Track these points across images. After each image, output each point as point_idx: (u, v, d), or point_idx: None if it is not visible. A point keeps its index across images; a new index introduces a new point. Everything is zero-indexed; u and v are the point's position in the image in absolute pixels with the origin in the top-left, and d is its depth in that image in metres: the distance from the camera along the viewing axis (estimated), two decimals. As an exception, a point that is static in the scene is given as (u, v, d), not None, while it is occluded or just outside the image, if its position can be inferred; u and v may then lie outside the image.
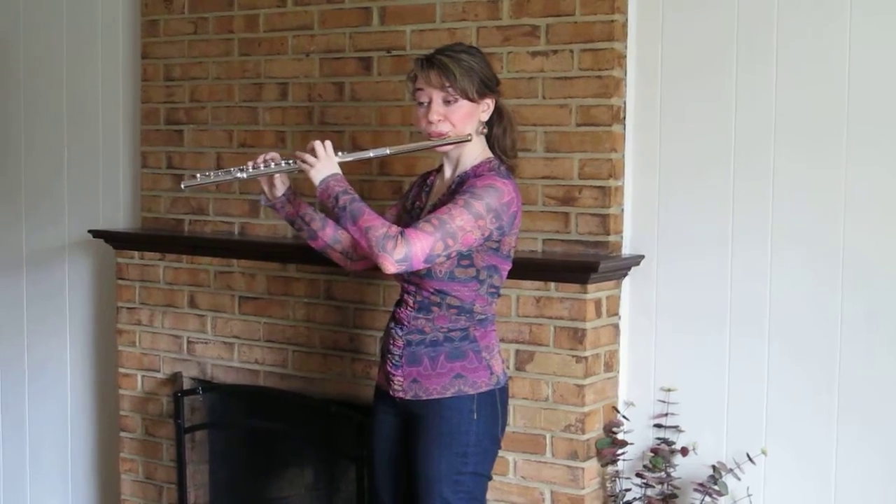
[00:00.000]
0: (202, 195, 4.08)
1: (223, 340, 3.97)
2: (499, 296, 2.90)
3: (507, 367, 3.30)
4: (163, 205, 4.20)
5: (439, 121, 2.79)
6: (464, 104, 2.79)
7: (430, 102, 2.80)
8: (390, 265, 2.64)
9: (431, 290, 2.79)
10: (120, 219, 4.46)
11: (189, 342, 4.05)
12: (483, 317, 2.84)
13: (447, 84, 2.76)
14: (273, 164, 2.89)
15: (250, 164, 2.90)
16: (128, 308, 4.20)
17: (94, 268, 4.55)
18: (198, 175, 2.94)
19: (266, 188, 2.98)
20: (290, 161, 2.86)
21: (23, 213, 4.76)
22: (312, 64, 3.82)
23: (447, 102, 2.78)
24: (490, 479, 2.90)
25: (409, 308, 2.85)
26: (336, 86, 3.77)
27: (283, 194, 2.98)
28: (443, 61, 2.77)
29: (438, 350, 2.80)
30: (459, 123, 2.80)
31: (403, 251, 2.62)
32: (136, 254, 4.16)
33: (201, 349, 4.02)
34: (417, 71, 2.82)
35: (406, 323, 2.84)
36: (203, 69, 4.07)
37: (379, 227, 2.66)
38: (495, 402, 2.84)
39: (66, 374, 4.66)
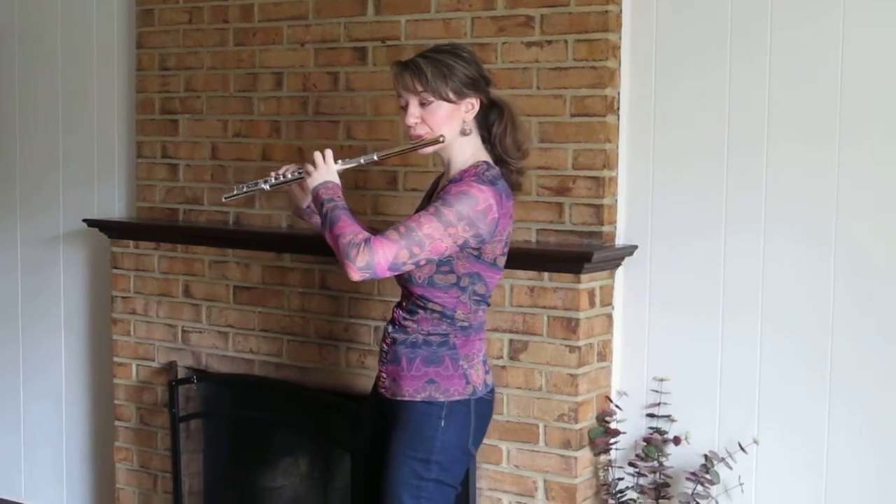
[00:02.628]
0: (197, 185, 4.08)
1: (218, 330, 3.97)
2: (487, 304, 2.84)
3: (501, 356, 3.32)
4: (158, 194, 4.21)
5: (416, 123, 2.76)
6: (441, 105, 2.73)
7: (406, 105, 2.78)
8: (354, 272, 2.62)
9: (416, 296, 2.78)
10: (115, 208, 4.46)
11: (184, 331, 4.06)
12: (466, 324, 2.79)
13: (419, 86, 2.72)
14: (290, 174, 2.91)
15: (272, 175, 2.93)
16: (122, 297, 4.20)
17: (89, 257, 4.55)
18: (234, 189, 2.99)
19: (292, 199, 3.03)
20: (300, 170, 2.89)
21: (17, 202, 4.76)
22: (307, 54, 3.82)
23: (423, 104, 2.75)
24: (457, 490, 2.84)
25: (401, 309, 2.84)
26: (331, 76, 3.77)
27: (307, 205, 2.98)
28: (417, 63, 2.74)
29: (416, 352, 2.78)
30: (437, 125, 2.74)
31: (366, 259, 2.60)
32: (130, 243, 4.17)
33: (196, 338, 4.03)
34: (392, 75, 2.81)
35: (398, 323, 2.84)
36: (198, 59, 4.07)
37: (347, 235, 2.64)
38: (468, 413, 2.78)
39: (61, 363, 4.67)
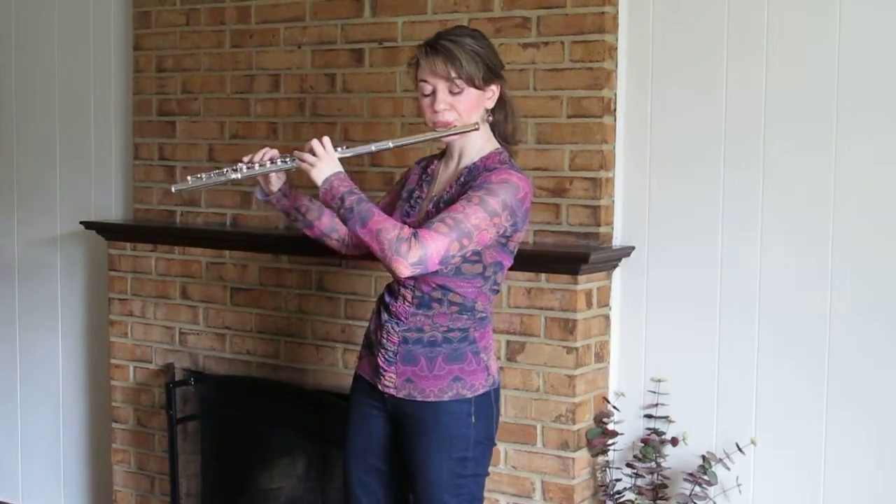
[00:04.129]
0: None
1: (215, 331, 3.97)
2: (497, 293, 2.80)
3: (499, 357, 3.32)
4: (155, 196, 4.20)
5: (445, 110, 2.66)
6: (470, 92, 2.66)
7: (434, 91, 2.66)
8: (405, 268, 2.51)
9: (433, 286, 2.66)
10: (112, 210, 4.46)
11: (181, 333, 4.06)
12: (483, 315, 2.73)
13: (453, 72, 2.63)
14: (269, 162, 2.73)
15: (244, 162, 2.75)
16: (120, 299, 4.20)
17: (87, 259, 4.55)
18: (189, 178, 2.79)
19: (262, 182, 2.83)
20: (288, 159, 2.71)
21: (15, 204, 4.76)
22: (304, 55, 3.82)
23: (453, 91, 2.66)
24: (488, 475, 2.84)
25: (406, 303, 2.71)
26: (328, 77, 3.77)
27: (280, 189, 2.83)
28: (448, 47, 2.63)
29: (436, 351, 2.69)
30: (466, 112, 2.67)
31: (419, 254, 2.50)
32: (128, 245, 4.17)
33: (193, 340, 4.03)
34: (421, 58, 2.68)
35: (404, 318, 2.71)
36: (195, 60, 4.07)
37: (391, 230, 2.53)
38: (491, 403, 2.75)
39: (58, 365, 4.66)
